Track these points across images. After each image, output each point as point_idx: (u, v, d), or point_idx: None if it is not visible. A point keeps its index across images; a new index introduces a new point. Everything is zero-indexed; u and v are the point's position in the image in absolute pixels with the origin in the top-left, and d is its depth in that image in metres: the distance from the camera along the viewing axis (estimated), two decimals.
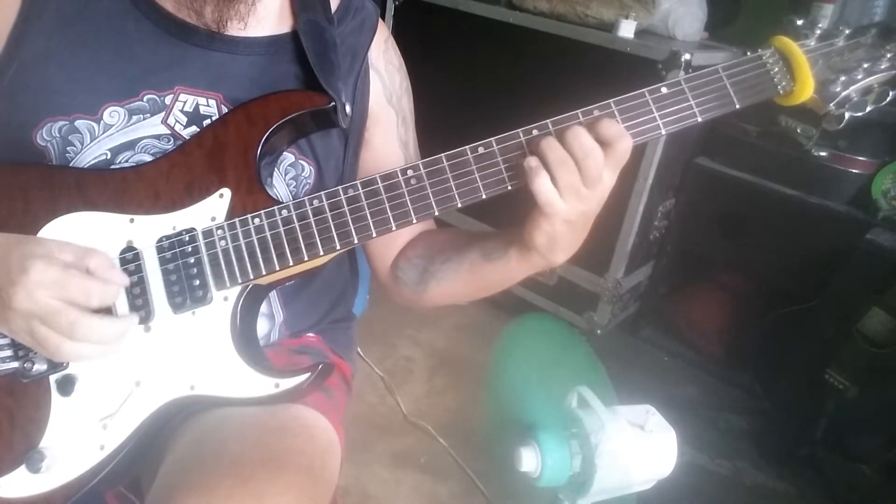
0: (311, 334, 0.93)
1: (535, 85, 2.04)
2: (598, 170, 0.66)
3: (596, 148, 0.66)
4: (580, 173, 0.66)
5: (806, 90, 0.72)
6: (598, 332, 2.17)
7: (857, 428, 1.75)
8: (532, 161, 0.67)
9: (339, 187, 0.71)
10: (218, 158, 0.73)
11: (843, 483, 1.75)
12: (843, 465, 1.77)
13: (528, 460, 0.93)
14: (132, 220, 0.71)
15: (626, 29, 1.91)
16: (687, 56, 1.78)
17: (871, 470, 1.75)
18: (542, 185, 0.66)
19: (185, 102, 0.76)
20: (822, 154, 1.80)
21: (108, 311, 0.68)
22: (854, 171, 1.84)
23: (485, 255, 0.79)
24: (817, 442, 1.79)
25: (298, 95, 0.76)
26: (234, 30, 0.78)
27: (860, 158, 1.82)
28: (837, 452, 1.78)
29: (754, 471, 1.82)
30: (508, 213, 0.72)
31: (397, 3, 2.36)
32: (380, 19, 0.90)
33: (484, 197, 0.70)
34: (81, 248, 0.66)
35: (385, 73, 0.89)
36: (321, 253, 0.71)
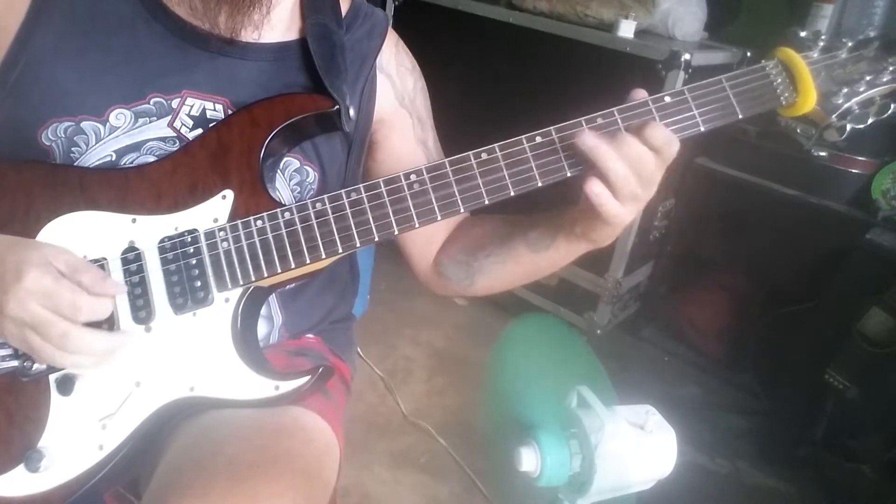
0: (310, 335, 0.93)
1: (535, 85, 2.04)
2: (652, 173, 0.67)
3: (647, 153, 0.66)
4: (639, 181, 0.67)
5: (808, 102, 0.72)
6: (598, 332, 2.17)
7: (857, 428, 1.75)
8: (596, 187, 0.66)
9: (342, 190, 0.71)
10: (221, 160, 0.73)
11: (843, 483, 1.75)
12: (843, 465, 1.77)
13: (528, 460, 0.93)
14: (134, 221, 0.71)
15: (626, 29, 1.91)
16: (687, 56, 1.78)
17: (871, 470, 1.75)
18: (610, 209, 0.67)
19: (191, 106, 0.76)
20: (822, 154, 1.78)
21: (109, 319, 0.68)
22: (854, 171, 1.83)
23: (530, 247, 0.79)
24: (817, 442, 1.79)
25: (303, 98, 0.76)
26: (248, 37, 0.78)
27: (860, 158, 1.82)
28: (837, 452, 1.78)
29: (754, 471, 1.82)
30: (515, 204, 0.73)
31: (397, 2, 2.36)
32: (390, 26, 0.89)
33: (487, 203, 0.70)
34: (75, 261, 0.66)
35: (396, 76, 0.88)
36: (323, 256, 0.70)
